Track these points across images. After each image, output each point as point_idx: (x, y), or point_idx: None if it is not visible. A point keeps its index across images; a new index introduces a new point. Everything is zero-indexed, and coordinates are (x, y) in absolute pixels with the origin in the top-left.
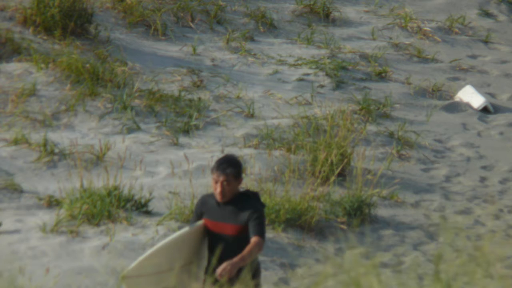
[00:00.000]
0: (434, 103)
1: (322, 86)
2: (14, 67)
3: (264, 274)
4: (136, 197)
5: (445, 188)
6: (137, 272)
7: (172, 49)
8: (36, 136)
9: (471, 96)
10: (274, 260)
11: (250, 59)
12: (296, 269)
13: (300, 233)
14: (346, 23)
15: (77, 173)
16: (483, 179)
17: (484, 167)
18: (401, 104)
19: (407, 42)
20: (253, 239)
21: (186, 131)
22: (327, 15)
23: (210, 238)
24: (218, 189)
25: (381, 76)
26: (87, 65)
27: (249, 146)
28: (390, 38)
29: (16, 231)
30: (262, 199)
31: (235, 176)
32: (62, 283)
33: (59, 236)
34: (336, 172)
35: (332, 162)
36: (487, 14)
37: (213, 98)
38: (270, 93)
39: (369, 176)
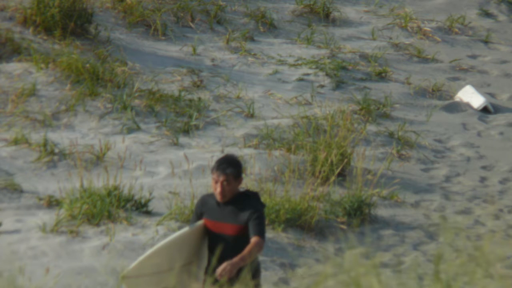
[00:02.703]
0: (434, 103)
1: (322, 86)
2: (14, 67)
3: (264, 274)
4: (136, 197)
5: (445, 188)
6: (137, 272)
7: (172, 49)
8: (36, 136)
9: (471, 96)
10: (274, 260)
11: (250, 59)
12: (296, 269)
13: (300, 233)
14: (346, 23)
15: (77, 173)
16: (483, 179)
17: (484, 167)
18: (401, 104)
19: (407, 42)
20: (253, 239)
21: (186, 131)
22: (327, 15)
23: (210, 238)
24: (218, 189)
25: (381, 76)
26: (87, 65)
27: (249, 146)
28: (390, 38)
29: (16, 231)
30: (262, 199)
31: (235, 176)
32: (62, 283)
33: (59, 236)
34: (336, 172)
35: (332, 162)
36: (487, 14)
37: (213, 98)
38: (270, 93)
39: (369, 176)
